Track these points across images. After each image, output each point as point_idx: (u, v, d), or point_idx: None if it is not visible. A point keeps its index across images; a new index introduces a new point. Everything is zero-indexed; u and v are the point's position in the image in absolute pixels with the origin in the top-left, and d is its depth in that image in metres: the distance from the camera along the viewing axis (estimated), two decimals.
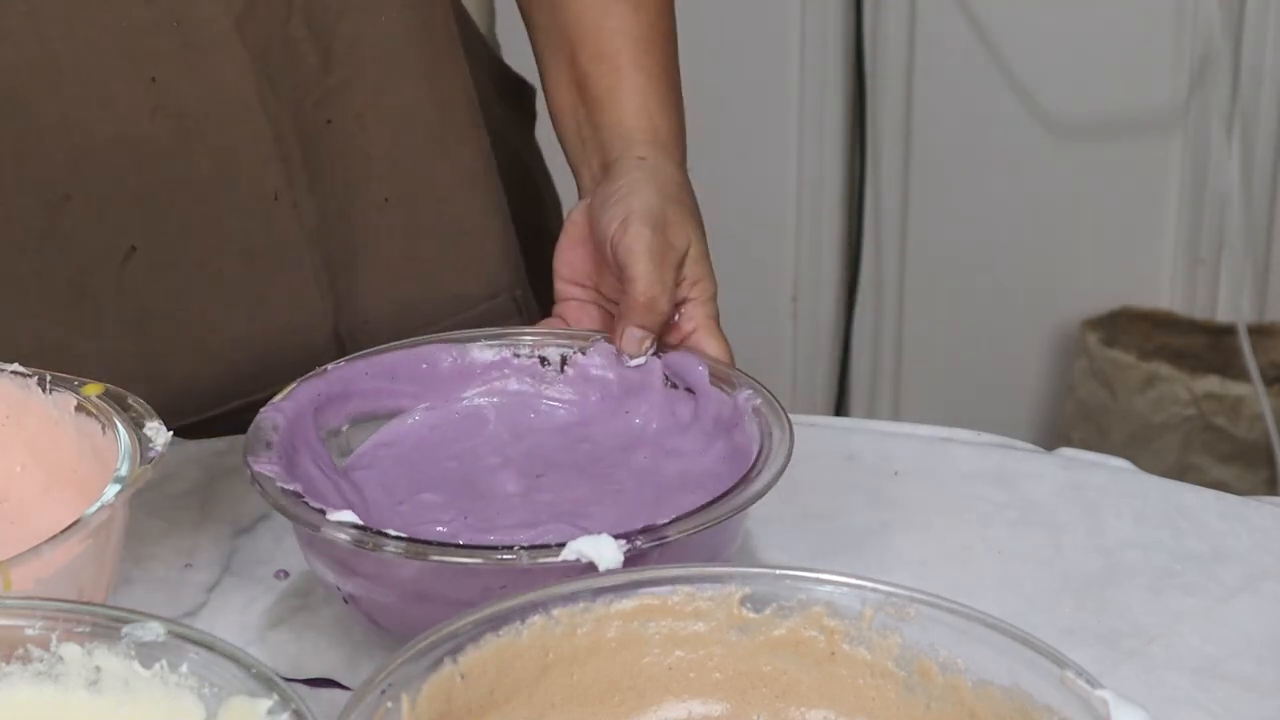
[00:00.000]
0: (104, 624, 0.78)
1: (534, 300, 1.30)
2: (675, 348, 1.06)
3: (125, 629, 0.78)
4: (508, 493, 1.00)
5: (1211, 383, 2.57)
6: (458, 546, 0.89)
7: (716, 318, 1.09)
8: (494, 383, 1.06)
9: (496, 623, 0.80)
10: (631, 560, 0.85)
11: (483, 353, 1.06)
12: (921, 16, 2.60)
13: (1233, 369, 2.59)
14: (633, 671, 0.84)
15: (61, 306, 1.15)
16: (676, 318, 1.08)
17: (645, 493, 0.98)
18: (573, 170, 1.19)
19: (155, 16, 1.13)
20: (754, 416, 0.98)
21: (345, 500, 0.97)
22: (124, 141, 1.15)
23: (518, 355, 1.06)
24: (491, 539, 0.95)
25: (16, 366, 1.01)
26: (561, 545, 0.86)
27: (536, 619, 0.81)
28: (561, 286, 1.14)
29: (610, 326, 1.09)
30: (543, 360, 1.05)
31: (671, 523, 0.88)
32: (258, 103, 1.17)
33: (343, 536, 0.89)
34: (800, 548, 1.08)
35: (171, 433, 0.93)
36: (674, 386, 1.03)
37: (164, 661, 0.77)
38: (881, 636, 0.82)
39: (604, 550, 0.85)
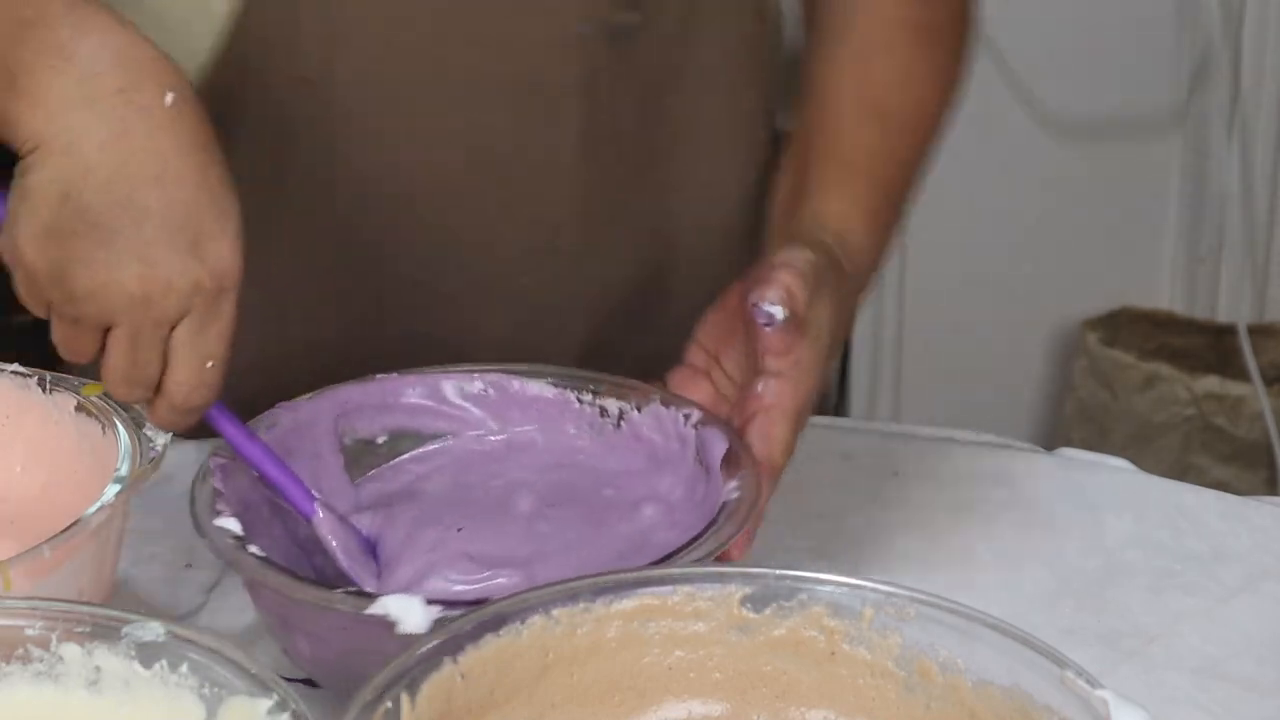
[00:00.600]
0: (104, 624, 0.78)
1: None
2: (720, 423, 1.02)
3: (125, 629, 0.78)
4: (518, 511, 1.00)
5: (1211, 383, 2.57)
6: (296, 576, 0.89)
7: (803, 409, 1.02)
8: (550, 420, 1.06)
9: (496, 623, 0.80)
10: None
11: (544, 389, 1.06)
12: None
13: (1233, 369, 2.59)
14: (633, 671, 0.84)
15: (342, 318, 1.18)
16: (759, 387, 1.01)
17: (625, 551, 0.98)
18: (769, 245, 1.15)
19: (500, 68, 1.17)
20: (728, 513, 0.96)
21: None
22: (444, 177, 1.18)
23: (580, 400, 1.05)
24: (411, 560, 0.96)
25: (16, 367, 1.01)
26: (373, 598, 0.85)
27: (536, 619, 0.81)
28: (689, 348, 1.10)
29: (714, 406, 1.04)
30: (603, 410, 1.05)
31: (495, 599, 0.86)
32: (574, 164, 1.20)
33: (226, 538, 0.90)
34: (800, 548, 1.08)
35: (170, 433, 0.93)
36: (700, 463, 1.01)
37: (164, 661, 0.77)
38: (881, 636, 0.82)
39: (411, 613, 0.84)
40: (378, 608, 0.84)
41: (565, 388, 1.05)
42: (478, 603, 0.84)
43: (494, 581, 0.95)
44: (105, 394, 0.97)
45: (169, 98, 0.88)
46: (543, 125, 1.20)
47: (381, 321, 1.23)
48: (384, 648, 0.84)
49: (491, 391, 1.06)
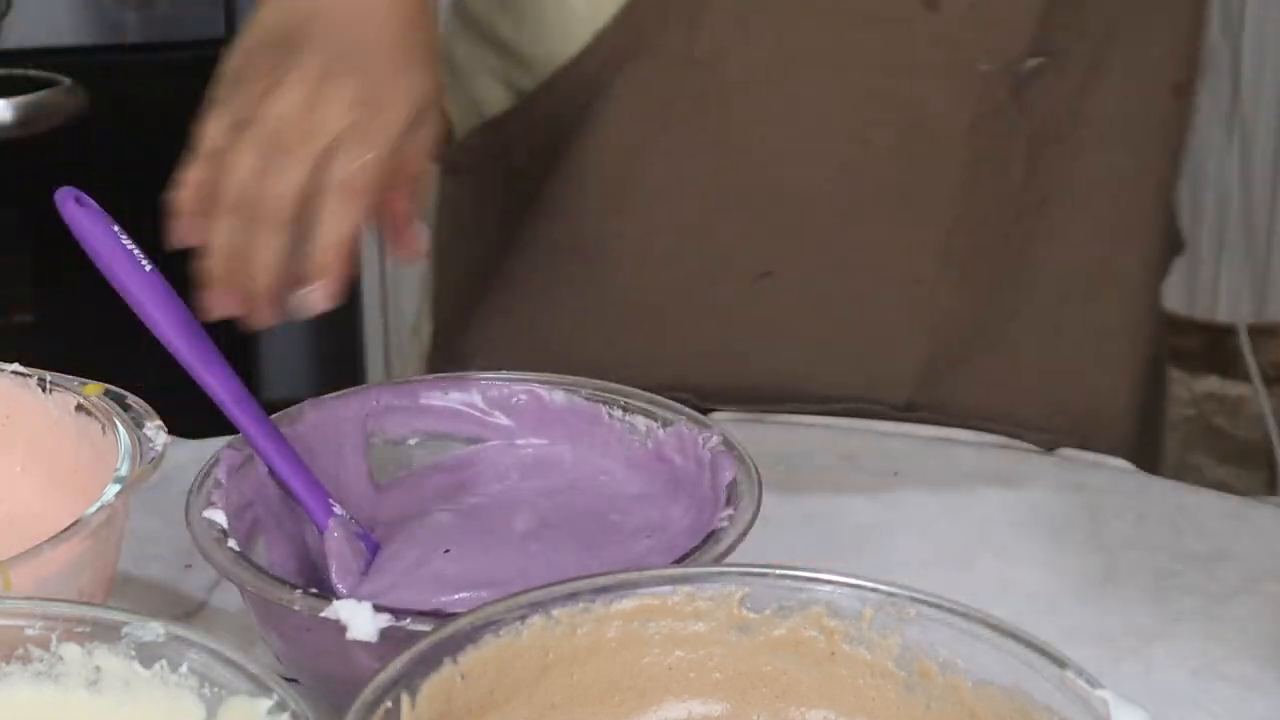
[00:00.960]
0: (104, 624, 0.78)
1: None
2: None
3: (125, 629, 0.78)
4: (515, 531, 1.00)
5: (1211, 383, 2.57)
6: (264, 573, 0.89)
7: None
8: (580, 433, 1.06)
9: (496, 623, 0.80)
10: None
11: (577, 401, 1.06)
12: None
13: (1233, 369, 2.59)
14: (633, 671, 0.84)
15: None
16: None
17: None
18: None
19: (891, 90, 1.17)
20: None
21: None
22: (810, 182, 1.19)
23: (611, 414, 1.05)
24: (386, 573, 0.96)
25: (16, 367, 1.01)
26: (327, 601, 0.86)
27: (536, 619, 0.81)
28: None
29: None
30: (632, 427, 1.05)
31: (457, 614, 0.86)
32: (951, 198, 1.20)
33: (209, 529, 0.91)
34: (800, 548, 1.08)
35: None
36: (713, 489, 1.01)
37: (164, 661, 0.77)
38: (881, 636, 0.82)
39: (360, 618, 0.84)
40: (330, 611, 0.85)
41: (598, 401, 1.05)
42: (428, 613, 0.85)
43: (454, 596, 0.95)
44: (106, 393, 0.97)
45: None
46: (925, 158, 1.19)
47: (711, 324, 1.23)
48: (347, 651, 0.84)
49: (524, 400, 1.06)
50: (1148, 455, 1.35)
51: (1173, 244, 1.37)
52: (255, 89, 0.97)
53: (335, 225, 0.95)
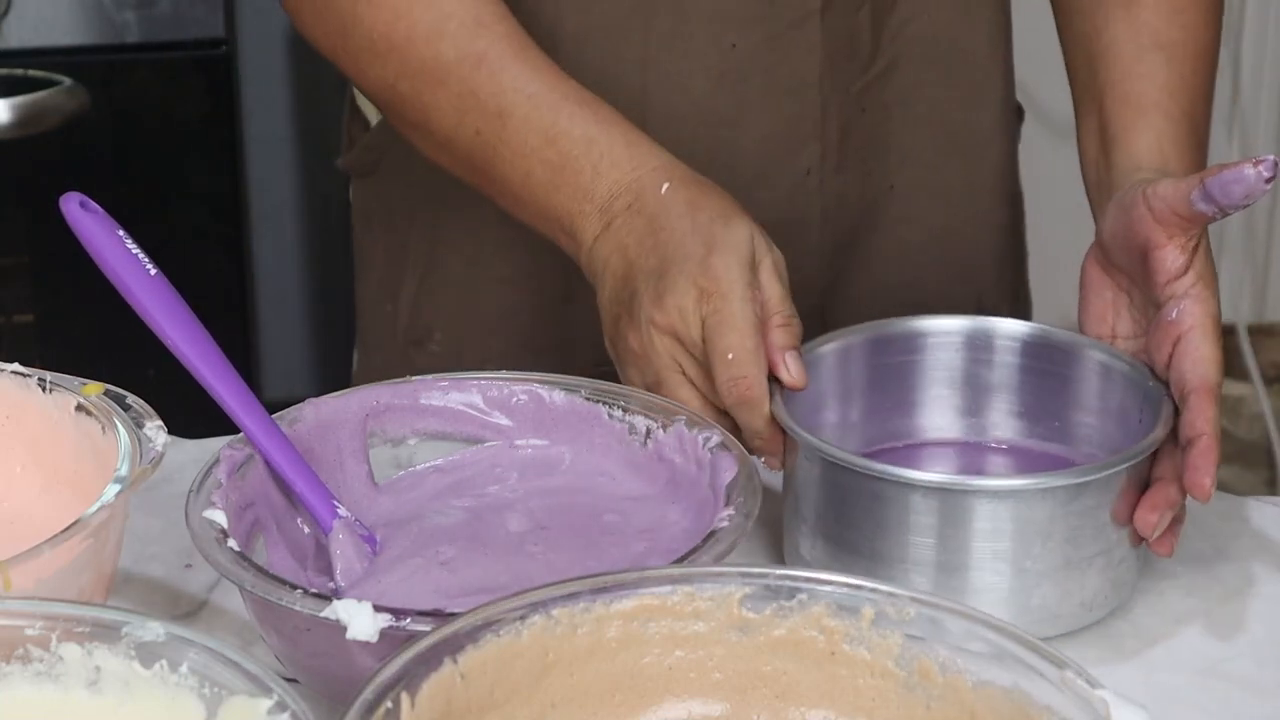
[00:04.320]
0: (104, 624, 0.78)
1: (1030, 306, 1.38)
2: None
3: (125, 629, 0.78)
4: (513, 533, 1.00)
5: None
6: (264, 573, 0.89)
7: (1216, 319, 1.06)
8: (580, 434, 1.06)
9: (496, 623, 0.80)
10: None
11: (577, 402, 1.06)
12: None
13: (1233, 369, 2.59)
14: (633, 671, 0.84)
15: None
16: (1173, 314, 1.05)
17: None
18: (1094, 216, 1.18)
19: None
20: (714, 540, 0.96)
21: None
22: (689, 94, 1.25)
23: (611, 415, 1.05)
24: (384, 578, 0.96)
25: (16, 367, 1.01)
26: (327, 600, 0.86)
27: (537, 619, 0.81)
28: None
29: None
30: (631, 428, 1.05)
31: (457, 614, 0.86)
32: (816, 84, 1.26)
33: (209, 529, 0.91)
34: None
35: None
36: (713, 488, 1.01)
37: (164, 661, 0.77)
38: (881, 636, 0.82)
39: (360, 618, 0.85)
40: (330, 611, 0.85)
41: (597, 401, 1.05)
42: (428, 613, 0.84)
43: (454, 596, 0.95)
44: (106, 393, 0.97)
45: (665, 187, 1.10)
46: (787, 50, 1.25)
47: None
48: (347, 651, 0.84)
49: (525, 400, 1.06)
50: (1021, 309, 1.42)
51: (1015, 107, 1.41)
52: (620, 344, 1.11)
53: (748, 422, 1.05)
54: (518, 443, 1.06)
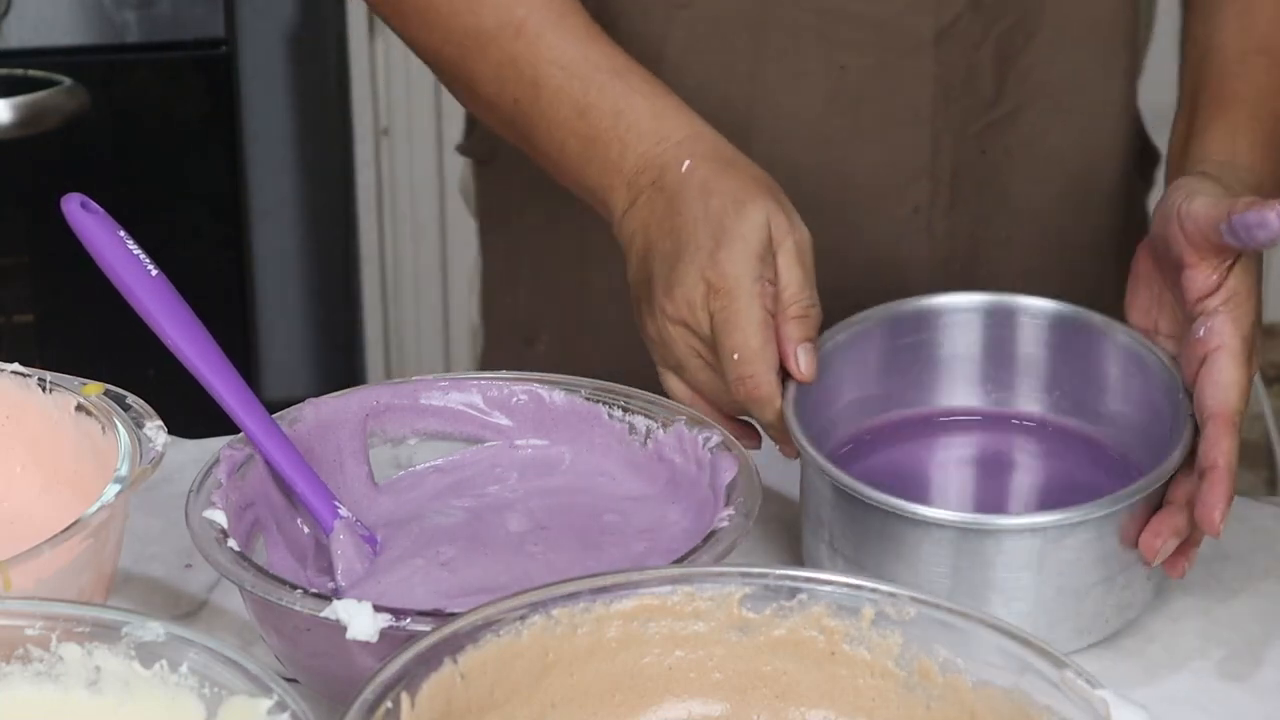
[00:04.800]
0: (104, 624, 0.78)
1: None
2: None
3: (125, 629, 0.78)
4: (514, 533, 1.00)
5: None
6: (271, 576, 0.89)
7: (1247, 340, 1.02)
8: (580, 434, 1.06)
9: (496, 623, 0.80)
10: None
11: (577, 402, 1.06)
12: None
13: None
14: (633, 671, 0.84)
15: None
16: (1201, 332, 1.02)
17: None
18: None
19: (861, 10, 1.21)
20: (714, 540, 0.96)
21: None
22: (798, 115, 1.22)
23: (611, 415, 1.05)
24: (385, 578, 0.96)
25: (16, 366, 1.01)
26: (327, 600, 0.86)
27: (537, 619, 0.81)
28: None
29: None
30: (631, 428, 1.04)
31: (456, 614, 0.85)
32: (928, 117, 1.23)
33: (209, 529, 0.91)
34: (800, 548, 1.08)
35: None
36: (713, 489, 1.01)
37: (164, 661, 0.77)
38: (881, 636, 0.82)
39: (360, 618, 0.85)
40: (330, 611, 0.85)
41: (597, 401, 1.05)
42: (428, 613, 0.84)
43: (454, 597, 0.95)
44: (106, 393, 0.97)
45: (685, 165, 1.08)
46: (898, 78, 1.22)
47: None
48: (347, 651, 0.84)
49: (524, 400, 1.06)
50: None
51: (1149, 151, 1.37)
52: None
53: (759, 418, 1.05)
54: (518, 443, 1.06)
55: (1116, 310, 1.10)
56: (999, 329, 1.11)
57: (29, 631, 0.79)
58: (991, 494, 1.11)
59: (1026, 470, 1.11)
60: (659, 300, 1.07)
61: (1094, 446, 1.09)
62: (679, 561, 0.90)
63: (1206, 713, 0.96)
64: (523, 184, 1.32)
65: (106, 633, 0.78)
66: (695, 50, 1.22)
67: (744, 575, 0.84)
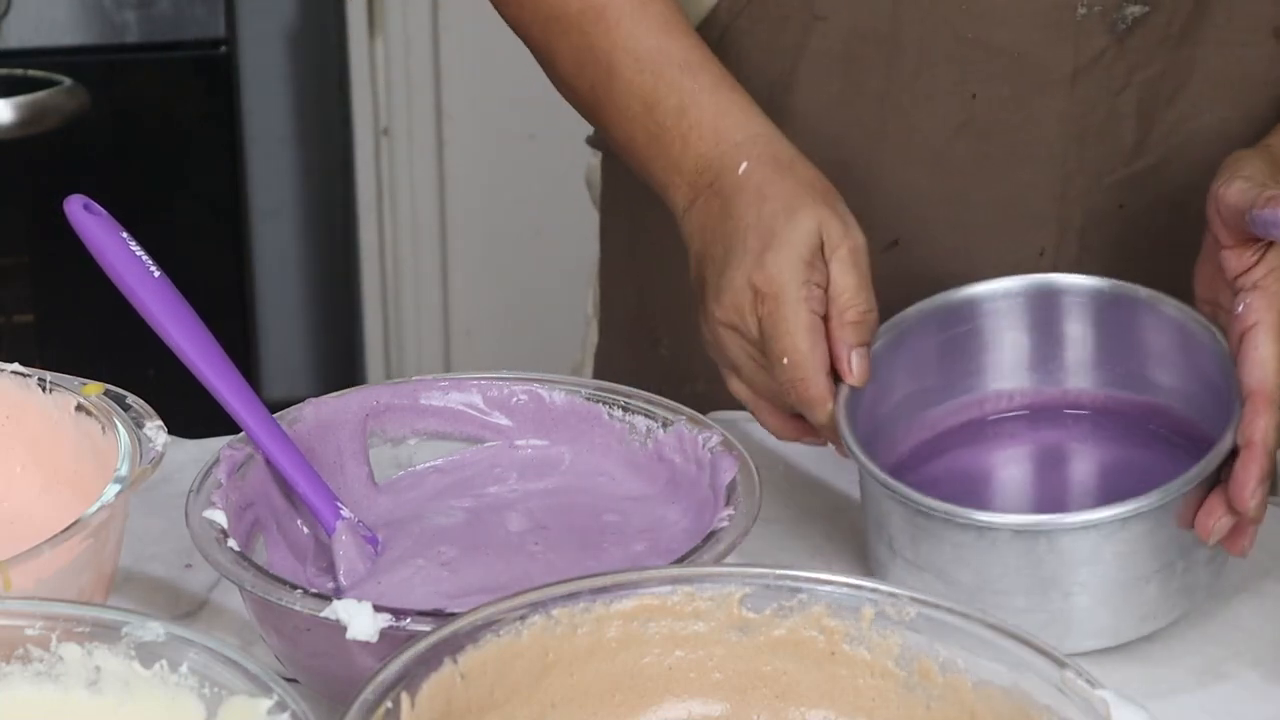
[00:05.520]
0: (104, 624, 0.78)
1: None
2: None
3: (125, 629, 0.78)
4: (514, 532, 1.00)
5: None
6: (264, 573, 0.89)
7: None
8: (581, 434, 1.06)
9: (496, 623, 0.80)
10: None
11: (577, 401, 1.06)
12: None
13: None
14: (633, 671, 0.84)
15: None
16: (1240, 308, 1.01)
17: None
18: None
19: (998, 39, 1.17)
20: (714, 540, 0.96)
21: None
22: (926, 139, 1.19)
23: (611, 415, 1.05)
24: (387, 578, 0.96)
25: (16, 366, 1.01)
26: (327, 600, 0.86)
27: (537, 619, 0.81)
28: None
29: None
30: (631, 427, 1.04)
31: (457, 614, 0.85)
32: (1060, 156, 1.20)
33: (209, 529, 0.91)
34: (800, 548, 1.08)
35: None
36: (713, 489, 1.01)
37: (164, 661, 0.77)
38: (881, 636, 0.82)
39: (360, 618, 0.84)
40: (330, 611, 0.85)
41: (597, 401, 1.05)
42: (428, 613, 0.84)
43: (454, 597, 0.95)
44: (106, 393, 0.97)
45: (742, 167, 1.07)
46: (1032, 111, 1.19)
47: None
48: (347, 651, 0.84)
49: (524, 400, 1.06)
50: None
51: None
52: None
53: (813, 420, 1.04)
54: (518, 443, 1.06)
55: None
56: (1043, 310, 1.10)
57: (29, 631, 0.79)
58: (1050, 490, 1.10)
59: (1083, 459, 1.10)
60: (709, 305, 1.07)
61: (1148, 420, 1.08)
62: (679, 561, 0.90)
63: (1207, 713, 0.96)
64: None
65: (106, 633, 0.78)
66: (829, 65, 1.20)
67: (744, 575, 0.84)
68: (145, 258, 0.97)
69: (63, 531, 0.86)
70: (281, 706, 0.73)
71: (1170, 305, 1.08)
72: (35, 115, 2.20)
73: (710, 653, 0.84)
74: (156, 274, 0.97)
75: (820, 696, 0.84)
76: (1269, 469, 0.99)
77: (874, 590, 0.83)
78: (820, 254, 1.05)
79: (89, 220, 0.97)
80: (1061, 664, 0.77)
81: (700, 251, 1.09)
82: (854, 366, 1.03)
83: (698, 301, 1.09)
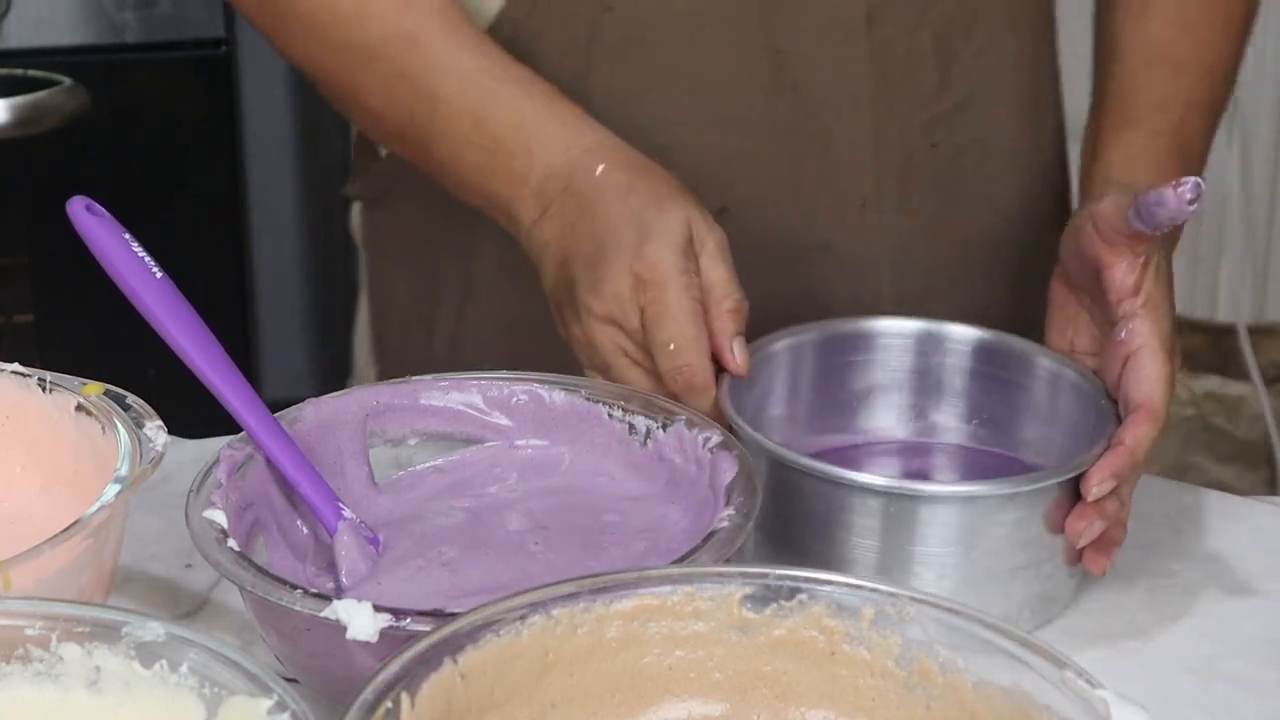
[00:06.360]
0: (104, 624, 0.78)
1: None
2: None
3: (125, 629, 0.78)
4: (514, 532, 1.00)
5: (1211, 383, 2.57)
6: (264, 573, 0.89)
7: (1166, 339, 1.06)
8: (580, 434, 1.06)
9: (496, 623, 0.80)
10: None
11: (576, 401, 1.06)
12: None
13: (1233, 369, 2.59)
14: (633, 671, 0.84)
15: None
16: (1123, 334, 1.05)
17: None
18: None
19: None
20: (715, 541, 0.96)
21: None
22: (739, 106, 1.20)
23: (611, 415, 1.05)
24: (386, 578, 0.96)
25: (16, 366, 1.01)
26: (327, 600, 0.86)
27: (537, 619, 0.81)
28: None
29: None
30: (631, 427, 1.04)
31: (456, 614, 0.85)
32: (867, 103, 1.22)
33: (209, 529, 0.91)
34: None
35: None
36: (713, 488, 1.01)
37: (164, 661, 0.77)
38: (881, 636, 0.82)
39: (360, 618, 0.84)
40: (330, 611, 0.85)
41: (597, 401, 1.05)
42: (428, 613, 0.84)
43: (454, 597, 0.95)
44: (106, 393, 0.97)
45: (599, 169, 1.08)
46: (833, 62, 1.21)
47: None
48: (347, 651, 0.84)
49: (524, 400, 1.06)
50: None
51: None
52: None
53: (696, 407, 1.04)
54: (518, 443, 1.06)
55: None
56: (928, 356, 1.14)
57: (29, 631, 0.79)
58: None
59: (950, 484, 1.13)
60: (585, 301, 1.07)
61: (1013, 467, 1.11)
62: (679, 561, 0.90)
63: (1206, 712, 0.96)
64: (415, 225, 1.32)
65: (106, 633, 0.78)
66: (624, 51, 1.21)
67: (744, 575, 0.84)
68: (147, 259, 0.98)
69: (63, 531, 0.86)
70: (281, 706, 0.73)
71: (1040, 354, 1.12)
72: (35, 115, 2.20)
73: (710, 653, 0.84)
74: (158, 275, 0.97)
75: (820, 696, 0.84)
76: (1128, 471, 1.01)
77: (874, 590, 0.83)
78: (691, 246, 1.06)
79: (91, 221, 0.97)
80: (1061, 664, 0.77)
81: (563, 254, 1.09)
82: (737, 354, 1.05)
83: (561, 305, 1.10)
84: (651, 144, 1.13)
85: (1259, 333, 2.63)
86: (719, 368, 1.05)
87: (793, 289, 1.10)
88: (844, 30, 1.20)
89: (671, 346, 1.04)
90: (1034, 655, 0.78)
